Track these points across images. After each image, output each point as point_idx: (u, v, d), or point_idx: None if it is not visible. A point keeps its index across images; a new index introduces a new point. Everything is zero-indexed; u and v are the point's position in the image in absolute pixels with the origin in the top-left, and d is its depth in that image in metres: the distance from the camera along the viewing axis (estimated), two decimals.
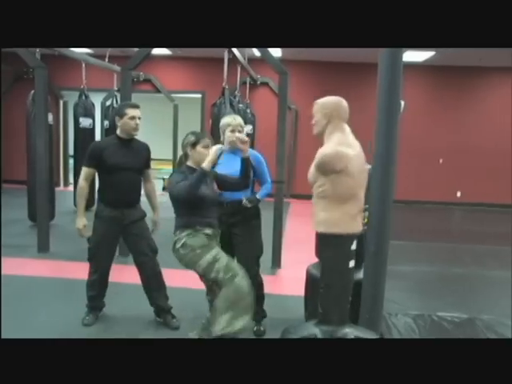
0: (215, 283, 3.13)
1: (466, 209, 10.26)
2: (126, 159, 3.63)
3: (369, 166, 3.09)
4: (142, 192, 3.85)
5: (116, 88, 8.63)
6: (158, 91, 10.58)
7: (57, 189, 7.63)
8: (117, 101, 8.29)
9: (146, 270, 3.76)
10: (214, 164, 3.16)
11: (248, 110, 8.53)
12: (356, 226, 2.74)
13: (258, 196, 3.61)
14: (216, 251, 3.08)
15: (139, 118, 3.65)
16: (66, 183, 10.70)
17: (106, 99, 9.74)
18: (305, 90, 9.60)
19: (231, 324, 2.98)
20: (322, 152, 2.68)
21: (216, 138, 3.79)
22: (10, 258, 5.22)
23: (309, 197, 2.83)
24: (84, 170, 3.66)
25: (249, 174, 3.26)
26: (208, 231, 3.11)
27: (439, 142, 10.35)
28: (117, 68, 7.88)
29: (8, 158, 9.62)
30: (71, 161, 9.17)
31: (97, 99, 9.37)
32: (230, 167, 3.37)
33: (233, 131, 3.49)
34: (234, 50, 5.83)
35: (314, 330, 2.72)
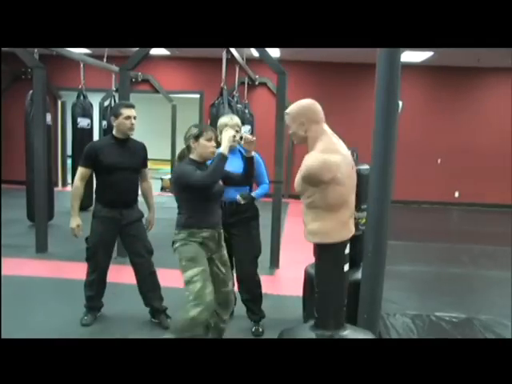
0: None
1: (464, 209, 10.27)
2: (122, 159, 3.63)
3: (367, 167, 3.09)
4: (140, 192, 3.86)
5: (114, 88, 8.62)
6: (157, 91, 10.56)
7: (55, 189, 7.62)
8: (115, 101, 8.28)
9: (141, 271, 3.77)
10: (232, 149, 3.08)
11: (246, 110, 8.54)
12: (348, 231, 2.67)
13: (253, 194, 3.61)
14: (197, 271, 2.94)
15: (134, 118, 3.65)
16: (64, 183, 10.68)
17: (104, 99, 9.74)
18: (303, 90, 9.57)
19: None
20: (308, 163, 2.55)
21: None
22: (9, 258, 5.22)
23: None
24: (80, 170, 3.65)
25: (252, 172, 3.23)
26: (205, 234, 3.03)
27: (437, 143, 10.36)
28: (115, 68, 7.87)
29: (7, 159, 9.60)
30: (69, 161, 9.14)
31: (95, 99, 9.36)
32: (229, 166, 3.36)
33: None
34: (233, 50, 5.83)
35: (310, 335, 2.72)
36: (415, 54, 8.59)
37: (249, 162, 3.18)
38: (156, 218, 3.94)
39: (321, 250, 2.67)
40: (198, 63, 10.21)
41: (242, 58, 7.23)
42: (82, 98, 8.07)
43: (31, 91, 6.18)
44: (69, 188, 9.03)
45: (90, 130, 8.25)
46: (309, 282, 3.57)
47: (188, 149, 3.09)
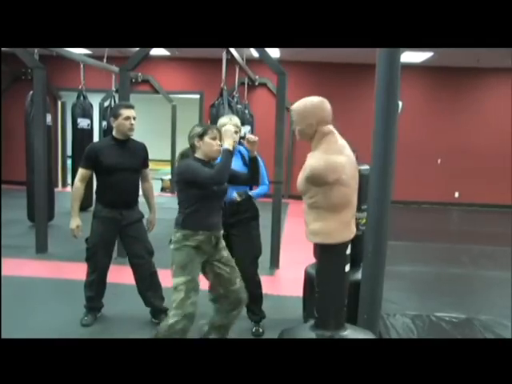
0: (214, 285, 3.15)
1: (463, 209, 10.28)
2: (122, 160, 3.63)
3: (366, 167, 3.09)
4: (140, 193, 3.86)
5: (114, 89, 8.62)
6: (157, 92, 10.57)
7: (55, 189, 7.63)
8: (115, 101, 8.28)
9: (141, 272, 3.77)
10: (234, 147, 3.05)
11: (246, 111, 8.54)
12: (350, 232, 2.65)
13: (250, 193, 3.61)
14: (183, 280, 2.93)
15: (134, 119, 3.65)
16: (64, 184, 10.68)
17: (104, 100, 9.74)
18: (303, 90, 9.52)
19: None
20: (312, 164, 2.51)
21: None
22: (9, 258, 5.22)
23: None
24: (80, 171, 3.66)
25: (258, 172, 3.20)
26: (200, 237, 2.98)
27: (437, 143, 10.37)
28: (115, 69, 7.88)
29: (7, 159, 9.60)
30: (69, 161, 9.14)
31: (95, 100, 9.36)
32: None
33: None
34: (232, 50, 5.83)
35: (310, 335, 2.72)
36: (415, 55, 8.60)
37: (253, 161, 3.15)
38: (157, 218, 3.95)
39: (322, 250, 2.66)
40: (198, 64, 10.21)
41: (242, 59, 7.24)
42: (82, 98, 8.06)
43: (31, 92, 6.18)
44: (69, 188, 9.03)
45: (90, 131, 8.25)
46: (309, 282, 3.57)
47: (192, 148, 3.05)
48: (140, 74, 10.11)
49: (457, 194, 10.52)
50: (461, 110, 10.36)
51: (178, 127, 10.89)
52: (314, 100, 2.60)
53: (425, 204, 10.45)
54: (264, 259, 4.29)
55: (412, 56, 8.60)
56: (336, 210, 2.55)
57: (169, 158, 10.91)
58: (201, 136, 2.98)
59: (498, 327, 3.78)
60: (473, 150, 10.34)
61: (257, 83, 10.08)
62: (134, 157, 3.72)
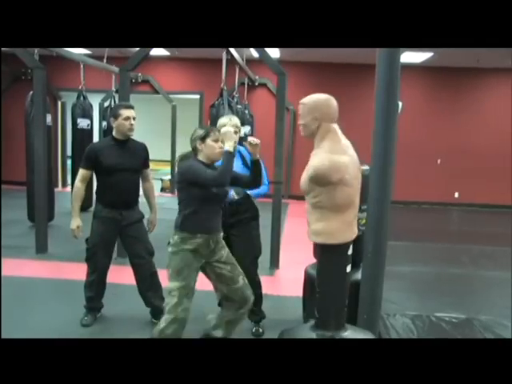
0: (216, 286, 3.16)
1: (463, 209, 10.28)
2: (121, 160, 3.63)
3: (366, 167, 3.09)
4: (141, 193, 3.86)
5: (114, 89, 8.62)
6: (157, 92, 10.57)
7: (55, 190, 7.62)
8: (115, 102, 8.28)
9: (141, 272, 3.77)
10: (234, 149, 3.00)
11: (246, 111, 8.54)
12: (352, 232, 2.67)
13: (249, 192, 3.61)
14: (177, 285, 2.93)
15: (134, 119, 3.66)
16: (64, 184, 10.68)
17: (104, 100, 9.74)
18: (303, 90, 9.48)
19: None
20: (315, 163, 2.52)
21: None
22: (9, 258, 5.22)
23: None
24: (80, 172, 3.68)
25: (260, 174, 3.17)
26: (198, 240, 2.97)
27: (437, 143, 10.37)
28: (115, 69, 7.88)
29: (7, 159, 9.60)
30: (69, 162, 9.14)
31: (95, 100, 9.36)
32: None
33: None
34: (232, 50, 5.83)
35: (310, 335, 2.72)
36: (415, 55, 8.60)
37: (255, 164, 3.13)
38: (157, 218, 3.95)
39: (324, 250, 2.66)
40: (198, 64, 10.21)
41: (242, 59, 7.24)
42: (81, 98, 8.06)
43: (31, 92, 6.18)
44: (69, 189, 9.03)
45: (90, 131, 8.24)
46: (309, 282, 3.57)
47: (194, 151, 3.04)
48: (140, 74, 10.11)
49: (457, 194, 10.52)
50: (461, 110, 10.36)
51: (178, 127, 10.90)
52: (321, 96, 2.64)
53: (425, 204, 10.45)
54: (264, 259, 4.29)
55: (412, 56, 8.60)
56: (339, 210, 2.56)
57: (169, 158, 10.92)
58: (203, 138, 2.97)
59: (497, 327, 3.78)
60: (473, 150, 10.34)
61: (257, 83, 10.08)
62: (134, 157, 3.72)
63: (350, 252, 2.68)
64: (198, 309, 3.72)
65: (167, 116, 11.02)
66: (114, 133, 3.70)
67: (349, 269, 2.69)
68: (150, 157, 3.92)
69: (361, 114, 9.16)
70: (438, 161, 10.44)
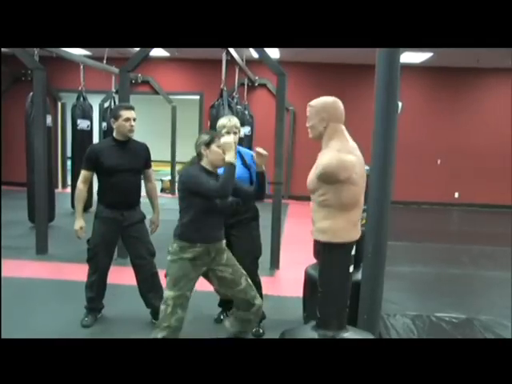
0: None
1: (463, 209, 10.28)
2: (122, 161, 3.64)
3: (367, 168, 3.10)
4: (143, 194, 3.86)
5: (114, 90, 8.63)
6: (156, 93, 10.58)
7: (55, 190, 7.62)
8: (115, 102, 8.29)
9: (142, 273, 3.77)
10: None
11: (246, 112, 8.55)
12: (357, 232, 2.70)
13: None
14: (172, 294, 2.93)
15: (134, 120, 3.66)
16: (65, 185, 10.69)
17: (104, 101, 9.75)
18: (303, 91, 9.59)
19: None
20: (324, 162, 2.57)
21: None
22: (9, 259, 5.21)
23: (307, 198, 2.81)
24: (82, 173, 3.69)
25: (264, 187, 3.15)
26: (197, 249, 2.95)
27: (437, 143, 10.37)
28: (115, 70, 7.89)
29: (8, 160, 9.61)
30: (69, 162, 9.14)
31: (95, 101, 9.37)
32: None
33: (228, 133, 3.49)
34: (232, 51, 5.84)
35: (312, 335, 2.72)
36: (415, 55, 8.60)
37: (260, 177, 3.10)
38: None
39: (328, 249, 2.67)
40: (198, 65, 10.22)
41: (242, 60, 7.24)
42: (81, 99, 8.07)
43: (31, 93, 6.18)
44: (69, 189, 9.03)
45: (90, 132, 8.25)
46: (309, 282, 3.57)
47: (199, 156, 3.01)
48: (140, 75, 10.11)
49: (457, 195, 10.52)
50: (460, 110, 10.36)
51: (178, 128, 10.90)
52: (328, 98, 2.73)
53: (425, 204, 10.45)
54: (264, 260, 4.29)
55: (412, 56, 8.61)
56: (345, 208, 2.60)
57: (169, 158, 10.92)
58: (208, 144, 2.95)
59: (498, 327, 3.78)
60: (473, 150, 10.34)
61: (256, 84, 10.08)
62: (135, 157, 3.73)
63: (353, 252, 2.69)
64: (197, 309, 3.73)
65: (167, 117, 11.03)
66: (114, 134, 3.71)
67: (351, 269, 2.70)
68: None
69: (361, 114, 9.16)
70: (438, 161, 10.44)
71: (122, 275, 4.28)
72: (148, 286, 3.78)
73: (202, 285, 3.21)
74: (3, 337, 2.87)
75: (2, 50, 6.13)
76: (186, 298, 2.98)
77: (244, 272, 3.18)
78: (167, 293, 2.96)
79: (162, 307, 2.97)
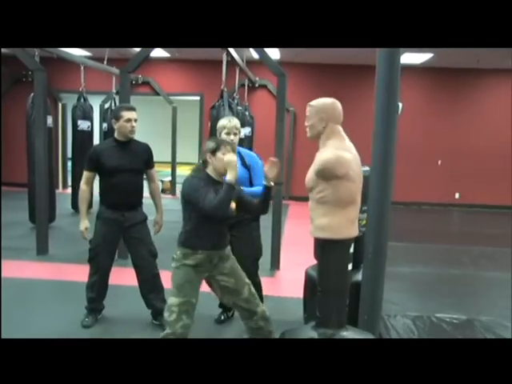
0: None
1: (464, 210, 10.27)
2: (123, 161, 3.64)
3: (367, 168, 3.10)
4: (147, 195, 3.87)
5: (115, 90, 8.64)
6: (157, 94, 10.58)
7: (56, 191, 7.62)
8: (115, 103, 8.29)
9: (144, 274, 3.77)
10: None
11: (247, 112, 8.54)
12: (355, 230, 2.74)
13: (244, 188, 3.60)
14: (177, 301, 2.89)
15: (135, 121, 3.67)
16: (65, 185, 10.69)
17: (104, 102, 9.74)
18: (303, 92, 9.59)
19: None
20: (322, 158, 2.63)
21: None
22: (9, 260, 5.21)
23: (307, 199, 2.81)
24: (84, 174, 3.71)
25: (268, 202, 3.11)
26: (200, 256, 2.92)
27: (437, 144, 10.37)
28: (115, 71, 7.89)
29: (8, 161, 9.61)
30: (70, 163, 9.14)
31: (95, 102, 9.37)
32: None
33: (228, 133, 3.49)
34: (233, 52, 5.84)
35: (312, 334, 2.72)
36: (415, 56, 8.60)
37: (268, 190, 3.03)
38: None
39: (327, 246, 2.69)
40: (198, 65, 10.22)
41: (242, 60, 7.24)
42: (82, 100, 8.07)
43: (32, 94, 6.18)
44: (69, 190, 9.03)
45: (90, 133, 8.25)
46: (309, 283, 3.57)
47: (204, 163, 2.96)
48: (140, 75, 10.12)
49: (457, 195, 10.52)
50: (461, 110, 10.36)
51: (179, 129, 10.91)
52: (328, 99, 2.79)
53: (425, 205, 10.45)
54: (264, 260, 4.29)
55: (412, 57, 8.61)
56: (343, 205, 2.64)
57: (169, 159, 10.92)
58: (213, 151, 2.89)
59: (498, 328, 3.77)
60: (473, 150, 10.33)
61: (257, 85, 10.08)
62: (136, 158, 3.73)
63: (351, 251, 2.70)
64: (197, 309, 3.71)
65: (167, 117, 11.04)
66: (115, 134, 3.71)
67: (349, 267, 2.71)
68: None
69: (361, 114, 9.16)
70: (439, 161, 10.44)
71: (122, 276, 4.28)
72: (149, 287, 3.78)
73: (202, 285, 3.21)
74: (3, 337, 2.87)
75: (3, 50, 6.14)
76: (192, 305, 2.94)
77: (248, 281, 3.13)
78: (172, 300, 2.91)
79: (166, 314, 2.93)
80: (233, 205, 2.91)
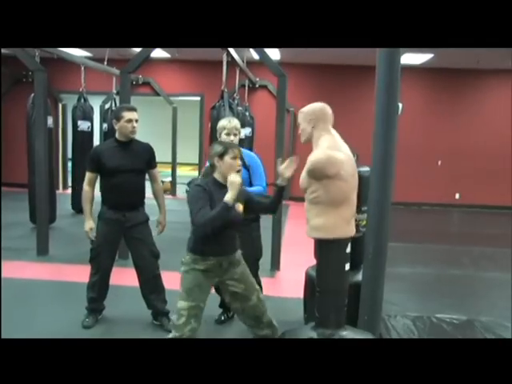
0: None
1: (464, 211, 10.27)
2: (124, 162, 3.64)
3: (367, 169, 3.10)
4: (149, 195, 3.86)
5: (115, 91, 8.63)
6: (157, 94, 10.58)
7: (56, 191, 7.62)
8: (116, 104, 8.29)
9: (145, 274, 3.77)
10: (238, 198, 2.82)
11: (247, 113, 8.53)
12: (351, 229, 2.73)
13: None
14: (186, 305, 2.85)
15: (136, 121, 3.67)
16: (65, 186, 10.69)
17: (104, 102, 9.75)
18: (303, 92, 9.61)
19: None
20: (313, 158, 2.65)
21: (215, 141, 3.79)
22: (10, 261, 5.21)
23: None
24: (87, 175, 3.71)
25: (279, 202, 3.04)
26: (210, 261, 2.88)
27: (438, 144, 10.37)
28: (116, 71, 7.89)
29: (9, 161, 9.62)
30: (70, 164, 9.15)
31: (96, 102, 9.38)
32: None
33: (228, 134, 3.48)
34: (233, 52, 5.84)
35: (311, 334, 2.72)
36: (415, 56, 8.60)
37: (280, 191, 2.97)
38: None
39: (323, 246, 2.69)
40: (199, 66, 10.23)
41: (243, 61, 7.24)
42: (82, 100, 8.07)
43: (32, 94, 6.18)
44: (69, 191, 9.03)
45: (91, 133, 8.26)
46: (309, 283, 3.57)
47: (212, 167, 2.92)
48: (141, 76, 10.12)
49: (457, 196, 10.52)
50: (461, 111, 10.36)
51: (179, 129, 10.91)
52: (316, 103, 2.82)
53: (425, 205, 10.45)
54: (265, 261, 4.29)
55: (412, 58, 8.61)
56: (336, 205, 2.65)
57: (169, 160, 10.92)
58: (221, 155, 2.85)
59: (498, 328, 3.78)
60: (473, 151, 10.33)
61: (257, 85, 10.09)
62: (138, 158, 3.72)
63: (348, 250, 2.70)
64: None
65: (168, 118, 11.04)
66: (116, 135, 3.71)
67: (347, 267, 2.71)
68: None
69: (361, 115, 9.16)
70: (439, 162, 10.44)
71: (123, 276, 4.28)
72: (150, 288, 3.78)
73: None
74: (3, 337, 2.87)
75: (3, 50, 6.14)
76: (200, 309, 2.91)
77: (257, 288, 3.10)
78: (181, 304, 2.88)
79: (174, 317, 2.90)
80: (240, 207, 2.86)
